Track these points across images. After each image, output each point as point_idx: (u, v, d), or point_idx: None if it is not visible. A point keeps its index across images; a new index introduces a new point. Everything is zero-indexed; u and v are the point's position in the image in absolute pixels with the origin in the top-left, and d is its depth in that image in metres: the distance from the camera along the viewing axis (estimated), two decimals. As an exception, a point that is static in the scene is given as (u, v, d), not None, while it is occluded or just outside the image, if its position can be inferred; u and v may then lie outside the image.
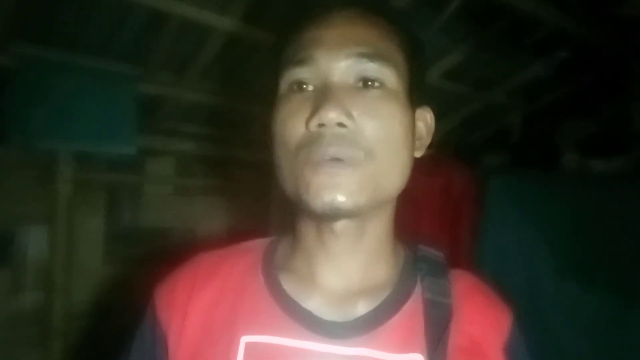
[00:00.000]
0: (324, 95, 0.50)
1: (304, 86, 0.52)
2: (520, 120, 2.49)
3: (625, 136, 1.91)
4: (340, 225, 0.53)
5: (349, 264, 0.55)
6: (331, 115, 0.48)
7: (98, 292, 1.91)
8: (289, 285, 0.55)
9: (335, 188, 0.48)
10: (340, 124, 0.49)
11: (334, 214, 0.49)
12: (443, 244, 0.64)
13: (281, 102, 0.54)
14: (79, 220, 1.84)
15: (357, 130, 0.49)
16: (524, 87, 2.28)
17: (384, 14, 0.56)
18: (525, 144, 2.37)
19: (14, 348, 1.72)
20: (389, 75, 0.52)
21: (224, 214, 2.24)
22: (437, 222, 1.87)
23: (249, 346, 0.51)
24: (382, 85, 0.52)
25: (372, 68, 0.51)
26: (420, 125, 0.60)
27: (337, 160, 0.48)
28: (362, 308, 0.53)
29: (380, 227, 0.56)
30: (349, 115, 0.49)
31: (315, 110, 0.49)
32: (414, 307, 0.54)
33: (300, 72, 0.52)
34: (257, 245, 0.62)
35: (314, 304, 0.54)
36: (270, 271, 0.57)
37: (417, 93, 0.57)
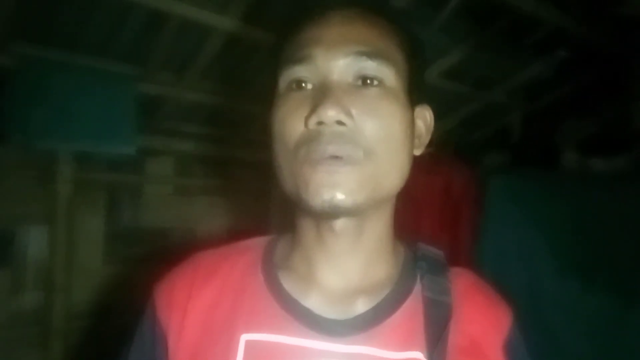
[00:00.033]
0: (323, 93, 0.50)
1: (303, 85, 0.52)
2: (520, 119, 2.49)
3: (625, 136, 1.91)
4: (339, 223, 0.53)
5: (348, 263, 0.55)
6: (330, 113, 0.48)
7: (98, 292, 1.91)
8: (288, 283, 0.55)
9: (334, 186, 0.48)
10: (340, 122, 0.49)
11: (333, 212, 0.49)
12: (443, 244, 0.63)
13: (280, 101, 0.54)
14: (79, 220, 1.84)
15: (356, 128, 0.49)
16: (524, 86, 2.29)
17: (383, 14, 0.56)
18: (526, 143, 2.37)
19: (14, 348, 1.72)
20: (388, 73, 0.52)
21: (223, 213, 2.24)
22: (437, 222, 1.87)
23: (249, 344, 0.51)
24: (381, 83, 0.52)
25: (371, 66, 0.51)
26: (420, 123, 0.60)
27: (336, 158, 0.48)
28: (361, 306, 0.53)
29: (379, 226, 0.56)
30: (348, 114, 0.49)
31: (314, 108, 0.49)
32: (413, 305, 0.54)
33: (299, 71, 0.52)
34: (257, 243, 0.62)
35: (313, 302, 0.54)
36: (270, 269, 0.57)
37: (417, 92, 0.57)
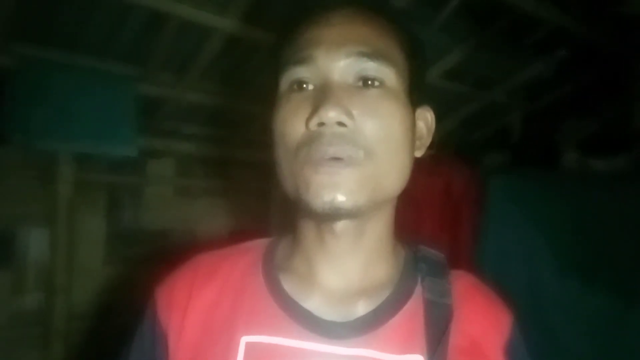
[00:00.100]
0: (323, 94, 0.49)
1: (304, 85, 0.52)
2: (520, 119, 2.49)
3: (625, 135, 1.91)
4: (340, 225, 0.52)
5: (349, 264, 0.55)
6: (331, 114, 0.48)
7: (99, 292, 1.91)
8: (289, 285, 0.55)
9: (335, 187, 0.48)
10: (340, 123, 0.49)
11: (333, 214, 0.49)
12: (444, 244, 0.64)
13: (281, 102, 0.54)
14: (79, 221, 1.84)
15: (357, 129, 0.49)
16: (524, 86, 2.28)
17: (383, 14, 0.56)
18: (526, 143, 2.37)
19: (15, 348, 1.72)
20: (388, 74, 0.52)
21: (224, 214, 2.24)
22: (437, 222, 1.87)
23: (249, 346, 0.51)
24: (382, 84, 0.51)
25: (371, 67, 0.51)
26: (421, 124, 0.60)
27: (337, 159, 0.48)
28: (362, 308, 0.53)
29: (380, 227, 0.56)
30: (349, 115, 0.49)
31: (315, 109, 0.49)
32: (414, 307, 0.54)
33: (300, 72, 0.52)
34: (257, 245, 0.62)
35: (314, 304, 0.53)
36: (270, 271, 0.57)
37: (417, 92, 0.57)
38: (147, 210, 2.06)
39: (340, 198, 0.48)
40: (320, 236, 0.54)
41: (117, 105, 1.67)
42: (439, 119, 0.62)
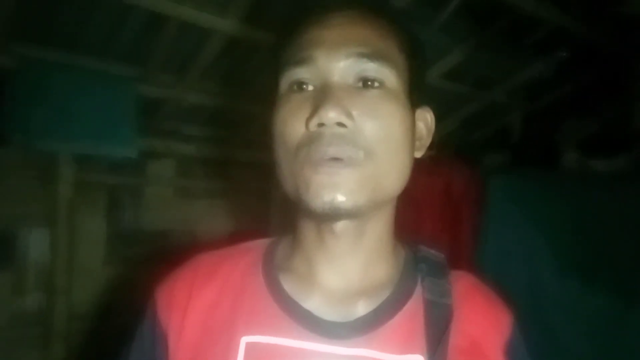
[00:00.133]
0: (323, 94, 0.49)
1: (304, 86, 0.52)
2: (520, 119, 2.49)
3: (625, 136, 1.91)
4: (340, 225, 0.53)
5: (349, 264, 0.55)
6: (331, 114, 0.48)
7: (99, 293, 1.91)
8: (289, 285, 0.55)
9: (334, 188, 0.48)
10: (340, 124, 0.49)
11: (333, 214, 0.49)
12: (444, 244, 0.64)
13: (281, 102, 0.54)
14: (79, 222, 1.84)
15: (357, 130, 0.49)
16: (524, 86, 2.28)
17: (383, 14, 0.56)
18: (526, 143, 2.37)
19: (15, 349, 1.72)
20: (388, 75, 0.52)
21: (224, 215, 2.24)
22: (437, 223, 1.87)
23: (249, 346, 0.51)
24: (381, 85, 0.52)
25: (371, 68, 0.51)
26: (421, 125, 0.60)
27: (336, 159, 0.48)
28: (362, 308, 0.53)
29: (380, 228, 0.56)
30: (349, 115, 0.49)
31: (315, 110, 0.49)
32: (414, 307, 0.54)
33: (300, 72, 0.52)
34: (257, 245, 0.62)
35: (314, 304, 0.54)
36: (270, 271, 0.57)
37: (417, 93, 0.57)
38: (147, 211, 2.06)
39: (340, 198, 0.48)
40: (320, 236, 0.54)
41: (117, 105, 1.67)
42: (439, 119, 0.62)
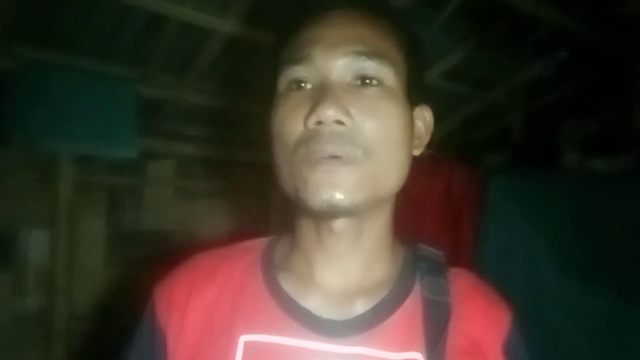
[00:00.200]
0: (322, 93, 0.50)
1: (303, 85, 0.52)
2: (520, 119, 2.49)
3: (625, 135, 1.91)
4: (338, 224, 0.53)
5: (347, 263, 0.55)
6: (329, 112, 0.48)
7: (99, 293, 1.91)
8: (287, 284, 0.55)
9: (333, 186, 0.48)
10: (339, 122, 0.49)
11: (332, 212, 0.49)
12: (444, 244, 0.63)
13: (280, 101, 0.54)
14: (80, 222, 1.84)
15: (355, 128, 0.49)
16: (525, 86, 2.28)
17: (383, 14, 0.56)
18: (526, 143, 2.37)
19: (16, 350, 1.72)
20: (387, 73, 0.52)
21: (224, 215, 2.24)
22: (438, 223, 1.87)
23: (248, 345, 0.51)
24: (380, 83, 0.52)
25: (370, 66, 0.51)
26: (419, 123, 0.60)
27: (335, 158, 0.48)
28: (361, 307, 0.53)
29: (379, 226, 0.56)
30: (347, 113, 0.49)
31: (313, 108, 0.49)
32: (413, 306, 0.54)
33: (298, 71, 0.52)
34: (256, 244, 0.62)
35: (312, 303, 0.54)
36: (269, 270, 0.57)
37: (416, 92, 0.57)
38: (147, 212, 2.06)
39: (339, 196, 0.48)
40: (319, 235, 0.54)
41: (117, 106, 1.67)
42: (439, 119, 0.62)
